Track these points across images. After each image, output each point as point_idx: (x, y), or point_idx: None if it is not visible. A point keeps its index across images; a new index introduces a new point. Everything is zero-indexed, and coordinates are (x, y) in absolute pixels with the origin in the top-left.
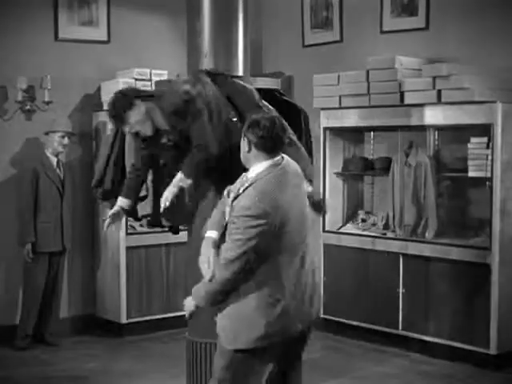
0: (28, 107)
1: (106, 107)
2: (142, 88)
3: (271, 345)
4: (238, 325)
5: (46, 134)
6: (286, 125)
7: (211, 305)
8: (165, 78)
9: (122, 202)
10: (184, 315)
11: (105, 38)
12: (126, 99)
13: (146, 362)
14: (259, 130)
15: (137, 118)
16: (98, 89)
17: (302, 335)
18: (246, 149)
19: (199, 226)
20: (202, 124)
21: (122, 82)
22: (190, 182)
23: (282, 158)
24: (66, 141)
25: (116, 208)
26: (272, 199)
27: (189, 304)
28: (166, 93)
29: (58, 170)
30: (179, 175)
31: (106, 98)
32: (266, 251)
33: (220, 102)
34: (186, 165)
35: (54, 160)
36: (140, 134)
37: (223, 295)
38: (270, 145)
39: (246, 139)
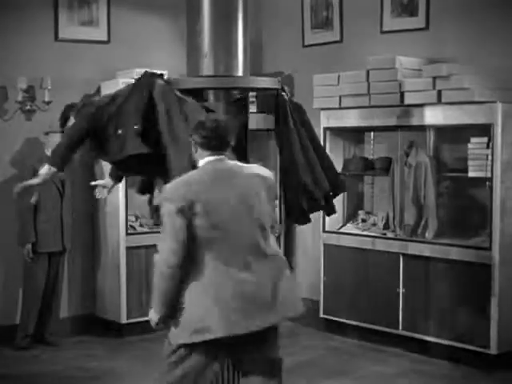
0: (28, 107)
1: None
2: None
3: (214, 342)
4: (177, 320)
5: (46, 134)
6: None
7: (166, 308)
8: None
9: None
10: None
11: (105, 38)
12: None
13: (146, 362)
14: (203, 130)
15: None
16: (98, 89)
17: (258, 337)
18: (194, 150)
19: None
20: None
21: (122, 82)
22: (53, 170)
23: (227, 157)
24: None
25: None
26: (191, 189)
27: (153, 317)
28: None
29: None
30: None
31: None
32: (191, 243)
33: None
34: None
35: None
36: None
37: (172, 293)
38: (214, 144)
39: (193, 141)
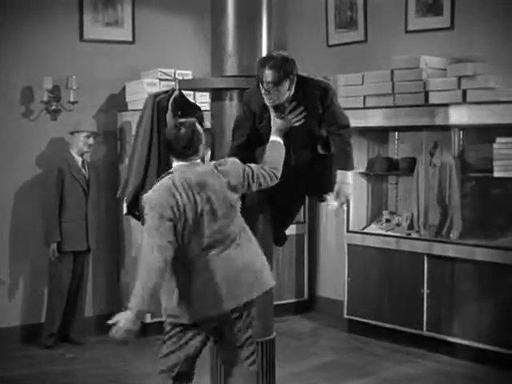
0: (53, 107)
1: (130, 107)
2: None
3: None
4: None
5: (72, 133)
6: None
7: None
8: (189, 77)
9: None
10: None
11: (129, 39)
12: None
13: None
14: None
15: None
16: (123, 89)
17: None
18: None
19: None
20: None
21: (147, 83)
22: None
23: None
24: (91, 141)
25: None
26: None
27: None
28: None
29: (83, 170)
30: (347, 173)
31: (131, 98)
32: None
33: None
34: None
35: (79, 160)
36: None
37: None
38: (170, 149)
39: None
